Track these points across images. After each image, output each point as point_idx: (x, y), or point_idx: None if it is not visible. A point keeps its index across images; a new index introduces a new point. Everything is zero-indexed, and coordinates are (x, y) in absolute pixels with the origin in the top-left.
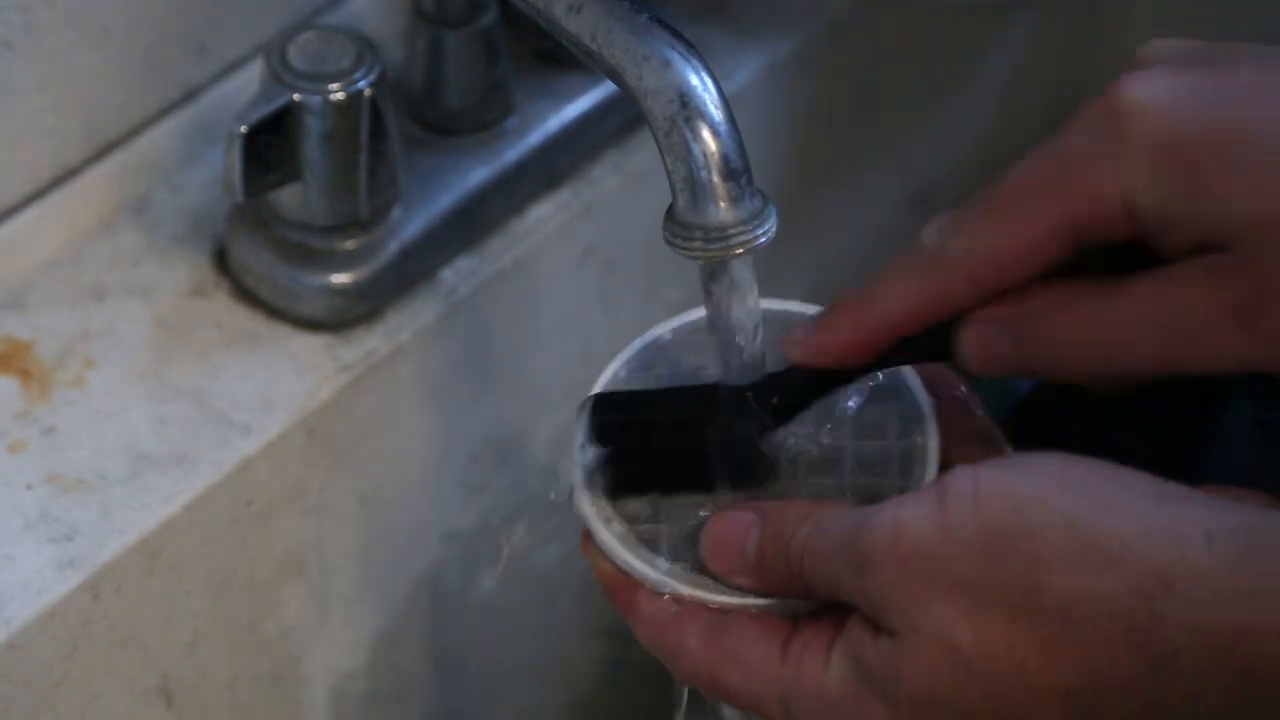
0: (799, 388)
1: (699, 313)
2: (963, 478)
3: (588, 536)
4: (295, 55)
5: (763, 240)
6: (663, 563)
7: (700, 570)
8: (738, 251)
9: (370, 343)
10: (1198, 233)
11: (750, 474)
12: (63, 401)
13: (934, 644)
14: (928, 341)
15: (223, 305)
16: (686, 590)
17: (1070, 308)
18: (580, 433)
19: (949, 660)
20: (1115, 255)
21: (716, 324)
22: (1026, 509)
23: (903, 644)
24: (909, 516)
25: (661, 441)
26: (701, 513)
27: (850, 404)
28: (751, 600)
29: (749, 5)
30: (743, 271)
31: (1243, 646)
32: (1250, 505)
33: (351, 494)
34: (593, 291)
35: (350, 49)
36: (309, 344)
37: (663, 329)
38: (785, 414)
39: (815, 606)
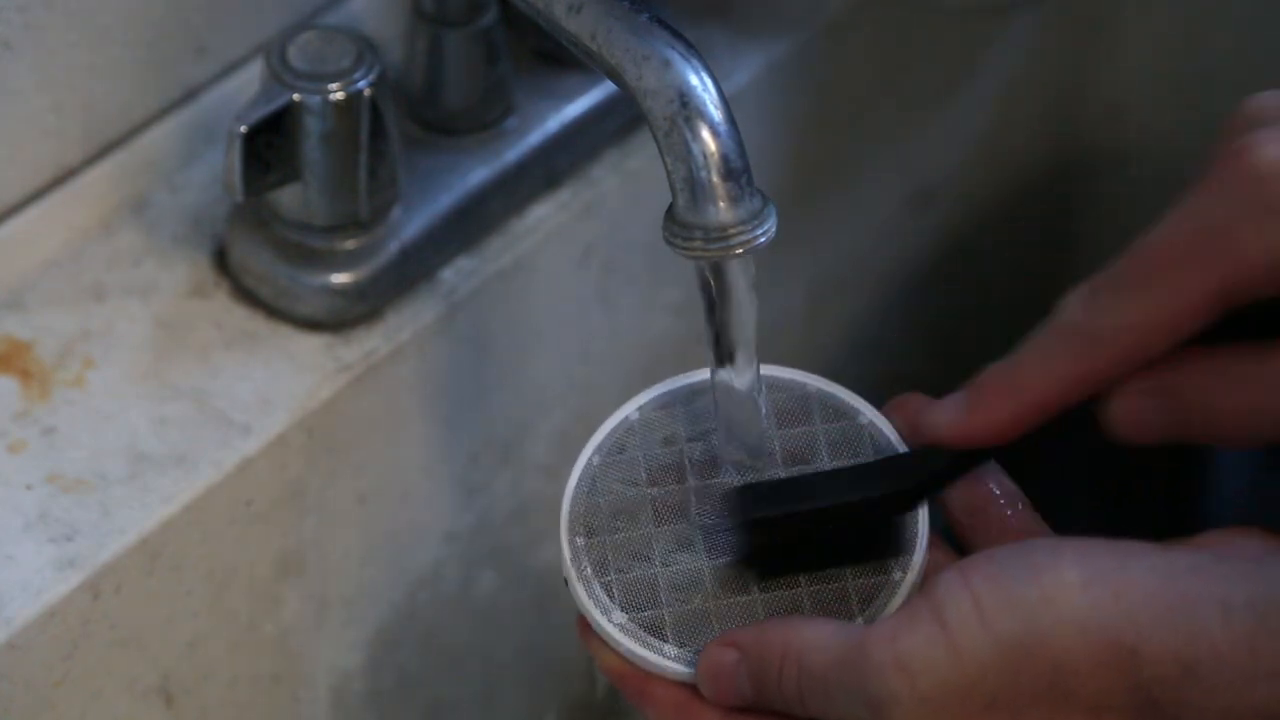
0: (942, 469)
1: (661, 388)
2: (956, 592)
3: (586, 626)
4: (295, 55)
5: (763, 240)
6: (670, 649)
7: None
8: (738, 251)
9: (370, 343)
10: None
11: (884, 549)
12: (63, 401)
13: None
14: (1070, 416)
15: (223, 305)
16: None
17: (1223, 375)
18: (566, 522)
19: None
20: (1259, 317)
21: (716, 324)
22: (1034, 615)
23: None
24: (915, 651)
25: (811, 528)
26: (698, 598)
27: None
28: None
29: (749, 5)
30: (743, 272)
31: None
32: (1253, 556)
33: (351, 494)
34: (593, 291)
35: (350, 49)
36: (309, 344)
37: (629, 409)
38: (925, 494)
39: None
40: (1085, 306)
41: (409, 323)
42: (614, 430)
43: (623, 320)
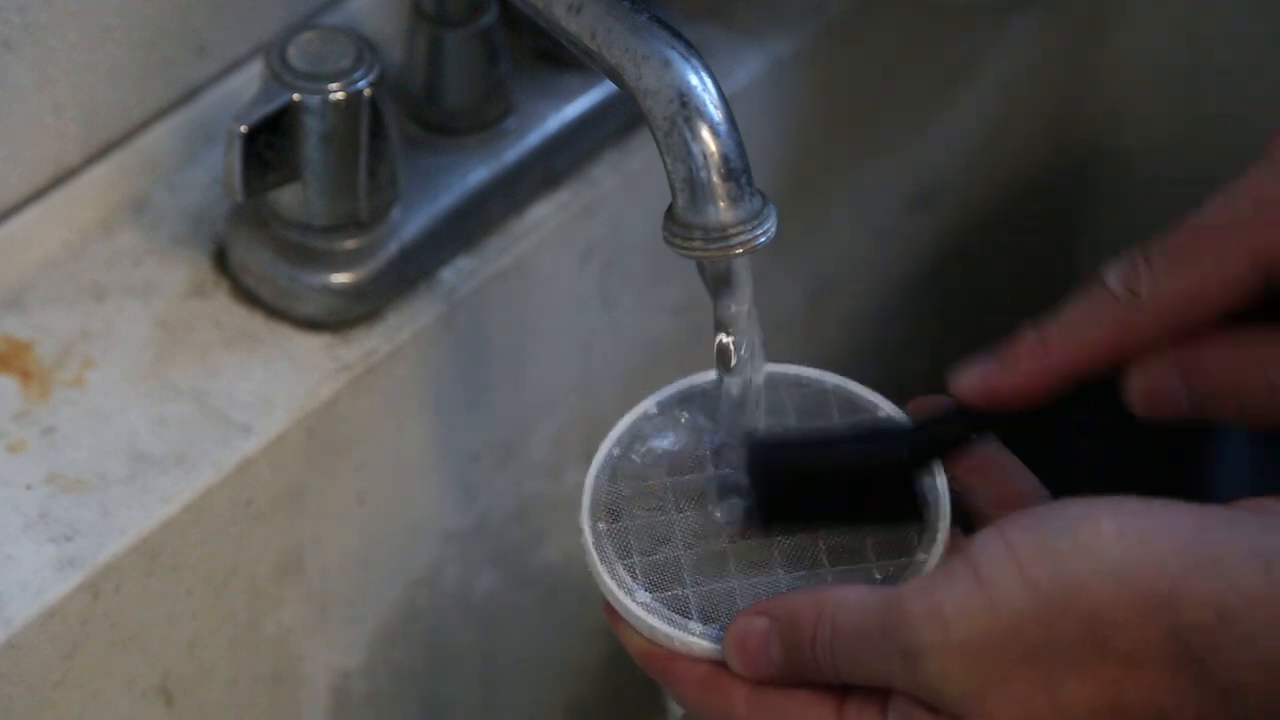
0: (962, 427)
1: (683, 384)
2: (992, 546)
3: (614, 613)
4: (295, 55)
5: (762, 240)
6: (695, 626)
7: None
8: (737, 251)
9: (370, 343)
10: None
11: (901, 511)
12: (62, 401)
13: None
14: (1095, 388)
15: (222, 305)
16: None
17: (1247, 354)
18: (588, 508)
19: None
20: None
21: (715, 324)
22: (1070, 565)
23: None
24: (950, 601)
25: (825, 480)
26: (722, 578)
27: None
28: None
29: (749, 5)
30: (742, 271)
31: None
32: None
33: (351, 494)
34: (593, 291)
35: (350, 49)
36: (309, 344)
37: (649, 403)
38: (943, 449)
39: None
40: (1126, 274)
41: (409, 323)
42: (634, 422)
43: (623, 320)
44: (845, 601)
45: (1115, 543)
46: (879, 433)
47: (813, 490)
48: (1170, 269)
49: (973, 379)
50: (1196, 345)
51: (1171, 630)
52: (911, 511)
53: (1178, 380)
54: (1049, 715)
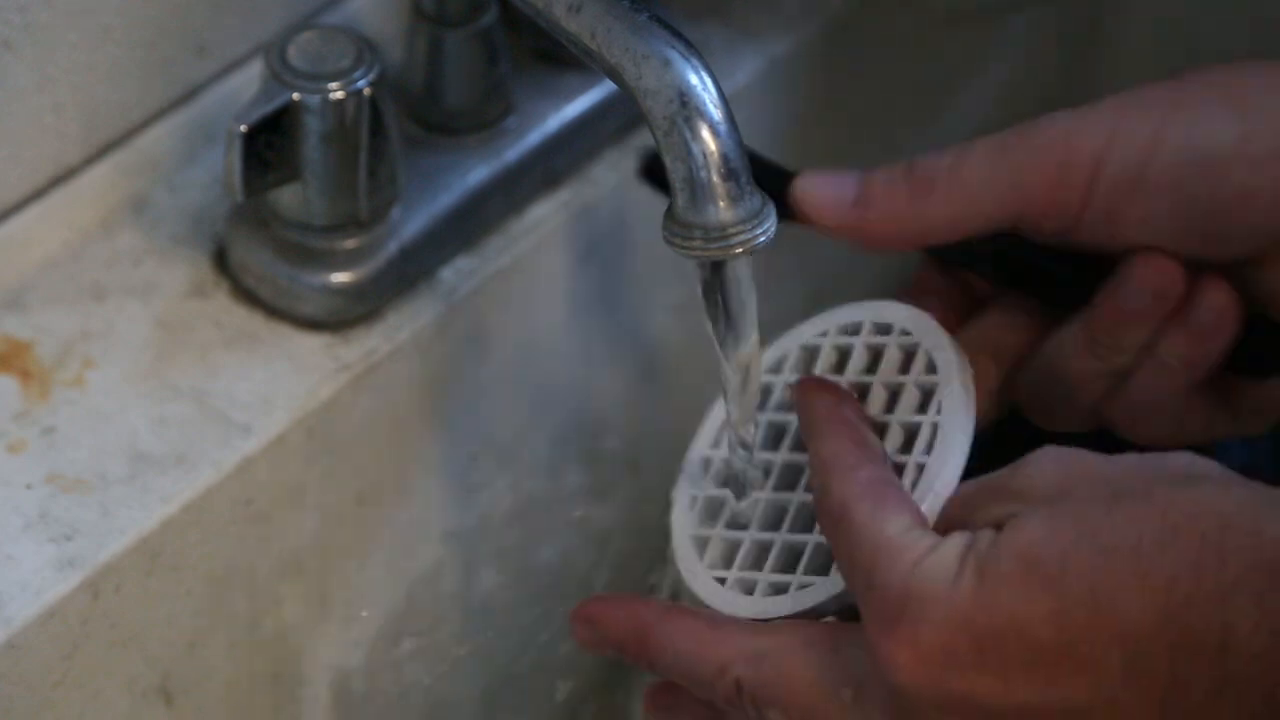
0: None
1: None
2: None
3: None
4: (295, 55)
5: (762, 240)
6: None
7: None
8: (737, 251)
9: (370, 342)
10: None
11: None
12: (62, 401)
13: (1067, 518)
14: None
15: (222, 305)
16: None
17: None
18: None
19: (1073, 533)
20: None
21: (715, 324)
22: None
23: (1029, 519)
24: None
25: None
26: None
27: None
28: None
29: (749, 5)
30: (742, 271)
31: None
32: None
33: (351, 493)
34: (593, 291)
35: (350, 49)
36: (309, 344)
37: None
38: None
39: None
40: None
41: (409, 322)
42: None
43: (623, 320)
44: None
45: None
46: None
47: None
48: (951, 182)
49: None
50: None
51: (1224, 501)
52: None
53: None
54: (1100, 521)
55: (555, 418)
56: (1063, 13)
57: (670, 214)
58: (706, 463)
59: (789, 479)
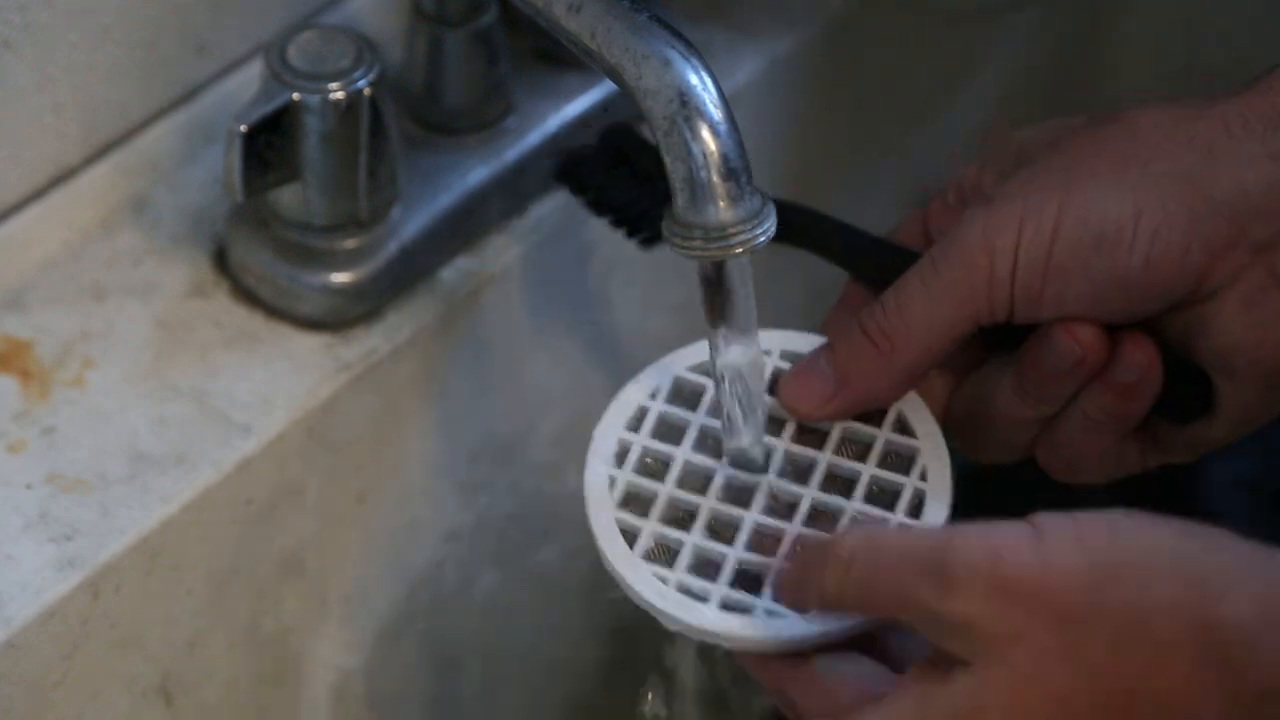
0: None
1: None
2: (1056, 517)
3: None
4: (295, 55)
5: (762, 240)
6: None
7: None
8: (737, 251)
9: (370, 342)
10: None
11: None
12: (63, 401)
13: (1026, 684)
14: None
15: (222, 305)
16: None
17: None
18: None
19: (1039, 695)
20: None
21: (715, 324)
22: (1128, 541)
23: (989, 680)
24: (1005, 542)
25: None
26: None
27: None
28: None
29: (749, 5)
30: (742, 271)
31: None
32: None
33: (351, 493)
34: (593, 291)
35: (350, 49)
36: (309, 344)
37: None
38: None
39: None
40: (875, 324)
41: (409, 322)
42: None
43: (623, 320)
44: (878, 528)
45: (1176, 535)
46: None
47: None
48: (905, 324)
49: (795, 394)
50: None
51: (1205, 623)
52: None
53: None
54: (1065, 685)
55: (555, 418)
56: (1063, 13)
57: (670, 214)
58: (624, 446)
59: (739, 497)
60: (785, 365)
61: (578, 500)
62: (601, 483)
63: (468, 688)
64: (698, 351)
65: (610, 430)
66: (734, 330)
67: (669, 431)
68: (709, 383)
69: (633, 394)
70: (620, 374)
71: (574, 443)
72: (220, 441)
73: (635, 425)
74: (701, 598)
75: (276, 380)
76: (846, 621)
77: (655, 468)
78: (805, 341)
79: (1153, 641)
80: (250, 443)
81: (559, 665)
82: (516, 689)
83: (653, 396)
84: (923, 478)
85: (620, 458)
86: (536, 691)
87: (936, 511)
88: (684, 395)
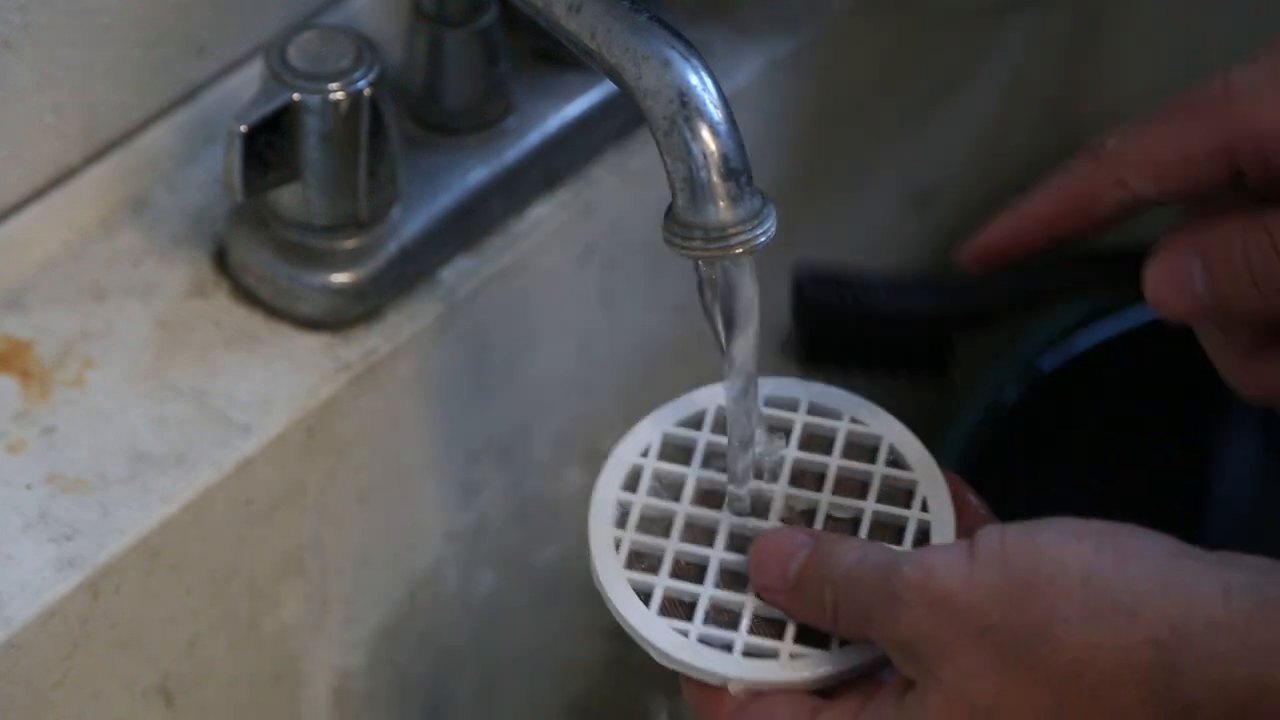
0: (1007, 295)
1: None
2: (991, 534)
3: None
4: (295, 55)
5: (762, 240)
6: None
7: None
8: (737, 251)
9: (370, 342)
10: None
11: (932, 365)
12: (62, 401)
13: (955, 700)
14: (1115, 272)
15: (222, 305)
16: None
17: (1260, 232)
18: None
19: (966, 711)
20: None
21: (715, 324)
22: (1047, 562)
23: (926, 699)
24: (939, 561)
25: (865, 324)
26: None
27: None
28: (790, 676)
29: (749, 5)
30: (742, 271)
31: (1264, 701)
32: (1260, 562)
33: (351, 494)
34: (593, 291)
35: (350, 49)
36: (309, 344)
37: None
38: (987, 317)
39: (845, 674)
40: (1103, 137)
41: (409, 322)
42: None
43: (623, 320)
44: (879, 547)
45: (1093, 555)
46: (920, 287)
47: (851, 332)
48: (1137, 130)
49: (970, 245)
50: (1210, 227)
51: (1125, 643)
52: (942, 367)
53: (1194, 259)
54: (990, 699)
55: (555, 418)
56: (1063, 13)
57: (670, 214)
58: (624, 507)
59: (746, 546)
60: (812, 419)
61: (578, 500)
62: (608, 545)
63: (467, 688)
64: (685, 405)
65: (608, 491)
66: (735, 330)
67: (666, 487)
68: (699, 435)
69: (624, 453)
70: (620, 374)
71: (574, 443)
72: (220, 441)
73: (632, 485)
74: (725, 647)
75: (276, 380)
76: (867, 655)
77: (658, 525)
78: (830, 395)
79: (1067, 657)
80: (250, 443)
81: (559, 665)
82: (516, 689)
83: (644, 454)
84: (924, 509)
85: (621, 520)
86: (536, 691)
87: (942, 540)
88: (675, 450)
